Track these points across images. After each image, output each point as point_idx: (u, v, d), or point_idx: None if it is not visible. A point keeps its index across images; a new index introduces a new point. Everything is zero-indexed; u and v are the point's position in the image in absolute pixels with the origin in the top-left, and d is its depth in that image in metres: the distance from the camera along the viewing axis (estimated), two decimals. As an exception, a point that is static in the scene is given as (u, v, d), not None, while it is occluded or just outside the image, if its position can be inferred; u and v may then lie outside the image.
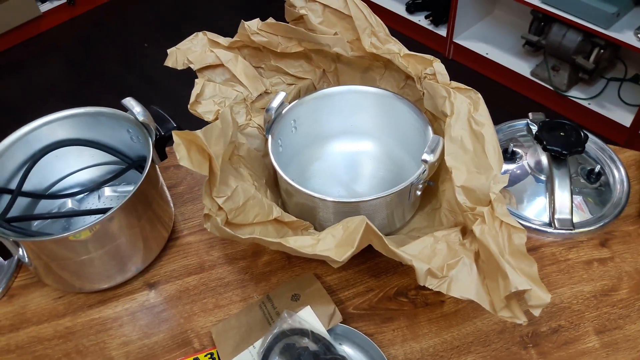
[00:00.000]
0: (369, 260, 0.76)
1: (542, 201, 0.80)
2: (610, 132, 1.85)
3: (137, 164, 0.81)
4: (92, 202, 0.82)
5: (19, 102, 2.23)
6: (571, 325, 0.69)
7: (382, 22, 0.76)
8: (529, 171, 0.83)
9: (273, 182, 0.80)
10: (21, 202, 0.76)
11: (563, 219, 0.77)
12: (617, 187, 0.82)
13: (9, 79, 2.34)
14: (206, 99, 0.77)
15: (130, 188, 0.71)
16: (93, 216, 0.76)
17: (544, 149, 0.80)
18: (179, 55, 0.78)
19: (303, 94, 0.84)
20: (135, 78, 2.29)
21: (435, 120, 0.76)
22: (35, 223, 0.79)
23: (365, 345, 0.66)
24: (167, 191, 0.79)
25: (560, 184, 0.78)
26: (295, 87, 0.84)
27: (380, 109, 0.81)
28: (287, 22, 0.80)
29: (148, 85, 2.25)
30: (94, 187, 0.82)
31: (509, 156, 0.85)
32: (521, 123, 0.90)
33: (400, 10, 2.31)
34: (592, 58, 1.82)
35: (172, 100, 2.12)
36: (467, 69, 2.19)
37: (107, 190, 0.82)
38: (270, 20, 0.78)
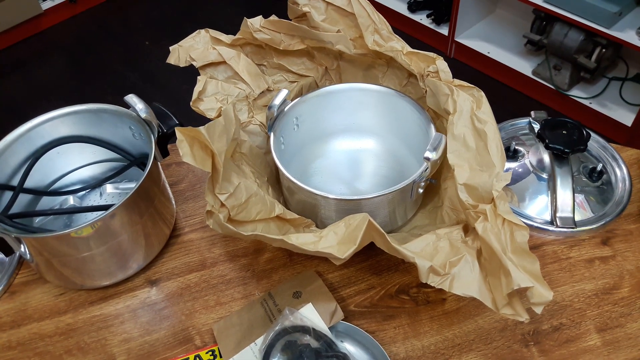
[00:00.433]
0: (370, 258, 0.76)
1: (544, 199, 0.80)
2: (612, 132, 1.85)
3: (139, 161, 0.81)
4: (94, 199, 0.82)
5: (21, 99, 2.23)
6: (573, 323, 0.69)
7: (385, 19, 0.76)
8: (531, 169, 0.83)
9: (275, 180, 0.80)
10: (23, 198, 0.76)
11: (565, 217, 0.77)
12: (619, 186, 0.82)
13: (11, 77, 2.34)
14: (208, 96, 0.77)
15: (132, 185, 0.71)
16: (95, 213, 0.76)
17: (546, 147, 0.79)
18: (181, 53, 0.78)
19: (305, 91, 0.84)
20: (136, 76, 2.29)
21: (438, 118, 0.76)
22: (37, 220, 0.79)
23: (367, 343, 0.66)
24: (169, 188, 0.79)
25: (562, 182, 0.78)
26: (297, 85, 0.84)
27: (382, 106, 0.81)
28: (290, 20, 0.80)
29: (150, 83, 2.25)
30: (95, 184, 0.82)
31: (511, 154, 0.85)
32: (523, 121, 0.90)
33: (402, 9, 2.31)
34: (593, 57, 1.81)
35: (173, 98, 2.13)
36: (469, 68, 2.19)
37: (109, 187, 0.82)
38: (273, 17, 0.78)
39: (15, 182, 0.75)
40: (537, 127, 0.84)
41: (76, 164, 0.82)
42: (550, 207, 0.79)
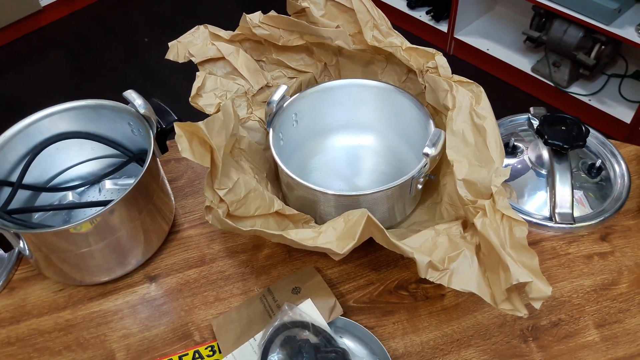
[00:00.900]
0: (369, 253, 0.76)
1: (542, 195, 0.80)
2: (611, 129, 1.85)
3: (138, 156, 0.80)
4: (93, 195, 0.81)
5: (20, 96, 2.23)
6: (571, 319, 0.69)
7: (384, 15, 0.76)
8: (530, 165, 0.83)
9: (274, 176, 0.80)
10: (22, 194, 0.76)
11: (564, 213, 0.77)
12: (617, 182, 0.82)
13: (10, 73, 2.33)
14: (207, 92, 0.76)
15: (131, 181, 0.71)
16: (94, 209, 0.76)
17: (545, 144, 0.80)
18: (180, 49, 0.78)
19: (304, 87, 0.84)
20: (136, 72, 2.29)
21: (437, 114, 0.76)
22: (36, 215, 0.79)
23: (366, 338, 0.67)
24: (167, 184, 0.79)
25: (561, 178, 0.78)
26: (296, 81, 0.84)
27: (381, 102, 0.81)
28: (289, 15, 0.80)
29: (149, 79, 2.25)
30: (94, 179, 0.82)
31: (510, 150, 0.85)
32: (522, 117, 0.90)
33: (401, 5, 2.31)
34: (593, 54, 1.81)
35: (173, 95, 2.12)
36: (468, 65, 2.19)
37: (107, 183, 0.82)
38: (272, 13, 0.78)
39: (14, 178, 0.75)
40: (536, 123, 0.84)
41: (75, 160, 0.82)
42: (549, 203, 0.79)
